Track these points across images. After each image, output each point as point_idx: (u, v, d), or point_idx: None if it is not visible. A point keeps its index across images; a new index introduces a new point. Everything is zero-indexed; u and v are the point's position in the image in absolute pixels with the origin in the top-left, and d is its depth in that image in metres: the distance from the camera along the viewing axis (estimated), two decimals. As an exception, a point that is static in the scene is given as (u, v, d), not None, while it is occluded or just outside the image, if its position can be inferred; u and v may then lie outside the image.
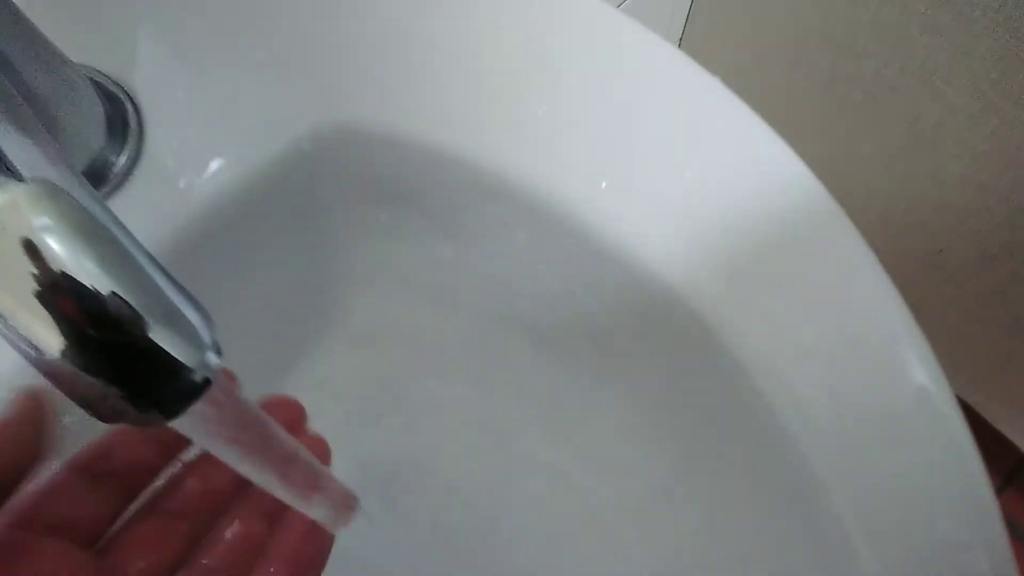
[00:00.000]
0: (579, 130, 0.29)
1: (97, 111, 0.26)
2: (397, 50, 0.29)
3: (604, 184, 0.28)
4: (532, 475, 0.37)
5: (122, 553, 0.21)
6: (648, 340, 0.32)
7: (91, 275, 0.16)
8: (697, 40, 0.82)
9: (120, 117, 0.27)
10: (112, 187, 0.27)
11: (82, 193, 0.18)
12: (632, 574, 0.34)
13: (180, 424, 0.18)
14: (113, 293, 0.16)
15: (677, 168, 0.28)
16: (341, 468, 0.25)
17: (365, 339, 0.36)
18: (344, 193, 0.31)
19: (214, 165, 0.28)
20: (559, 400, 0.36)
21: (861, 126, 0.73)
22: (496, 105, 0.29)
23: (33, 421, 0.21)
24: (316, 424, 0.30)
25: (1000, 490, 0.99)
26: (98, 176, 0.26)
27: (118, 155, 0.27)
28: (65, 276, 0.16)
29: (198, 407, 0.18)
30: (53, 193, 0.17)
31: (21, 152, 0.17)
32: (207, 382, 0.18)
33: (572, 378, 0.35)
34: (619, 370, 0.34)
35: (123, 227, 0.18)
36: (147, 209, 0.27)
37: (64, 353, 0.16)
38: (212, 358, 0.18)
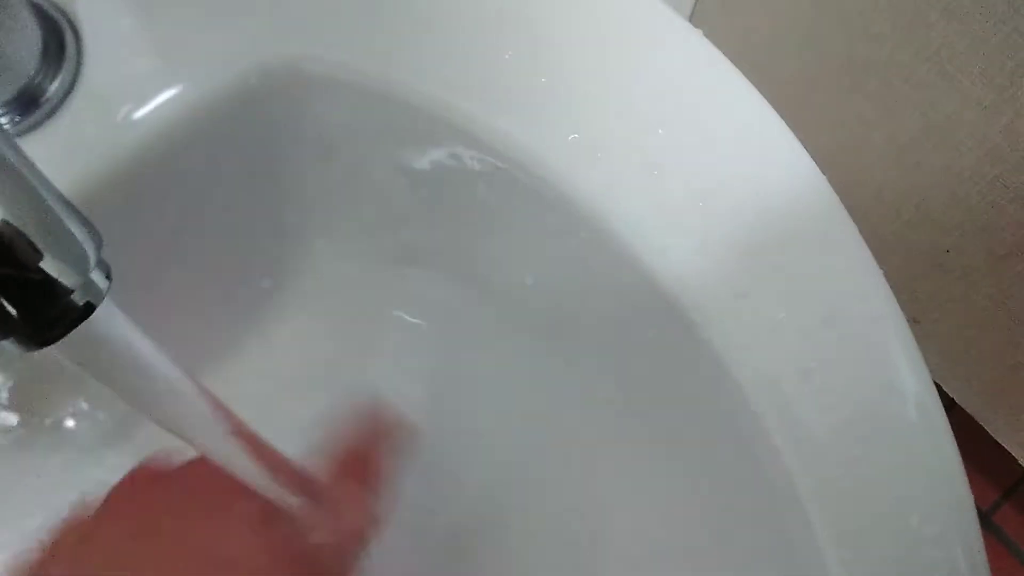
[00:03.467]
0: (558, 84, 0.27)
1: (32, 34, 0.25)
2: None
3: (576, 137, 0.27)
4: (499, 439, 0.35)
5: None
6: (629, 328, 0.30)
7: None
8: (708, 13, 0.80)
9: (57, 42, 0.26)
10: (44, 114, 0.25)
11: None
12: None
13: (67, 350, 0.17)
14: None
15: (665, 140, 0.27)
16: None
17: (320, 300, 0.35)
18: (295, 136, 0.29)
19: (155, 98, 0.26)
20: (515, 360, 0.34)
21: (873, 114, 0.71)
22: (465, 51, 0.27)
23: None
24: (266, 395, 0.28)
25: (997, 505, 0.97)
26: (29, 102, 0.25)
27: (52, 81, 0.25)
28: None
29: (84, 333, 0.16)
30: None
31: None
32: (89, 307, 0.16)
33: (531, 339, 0.34)
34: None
35: (12, 144, 0.17)
36: (80, 140, 0.26)
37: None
38: (98, 279, 0.17)
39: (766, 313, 0.26)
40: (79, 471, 0.32)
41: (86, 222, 0.17)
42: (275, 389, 0.33)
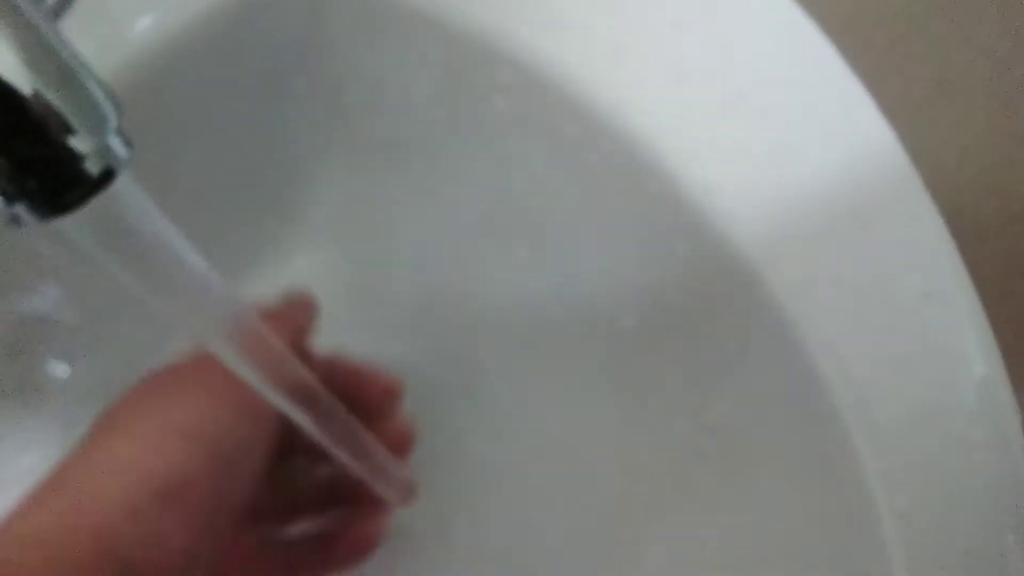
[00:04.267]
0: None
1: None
2: None
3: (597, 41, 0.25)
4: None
5: None
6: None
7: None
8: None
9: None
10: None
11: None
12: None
13: (82, 226, 0.16)
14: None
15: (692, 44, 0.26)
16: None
17: (330, 236, 0.34)
18: (290, 60, 0.28)
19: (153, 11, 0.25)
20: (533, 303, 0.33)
21: (885, 69, 0.69)
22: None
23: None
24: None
25: None
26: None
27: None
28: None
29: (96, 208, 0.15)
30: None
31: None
32: (109, 172, 0.15)
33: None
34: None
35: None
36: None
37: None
38: (116, 146, 0.15)
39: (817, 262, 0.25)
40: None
41: (106, 87, 0.16)
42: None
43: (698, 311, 0.28)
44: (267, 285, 0.34)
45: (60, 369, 0.32)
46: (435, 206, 0.33)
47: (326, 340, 0.29)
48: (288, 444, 0.25)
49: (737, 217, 0.25)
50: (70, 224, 0.15)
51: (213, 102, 0.29)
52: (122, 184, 0.15)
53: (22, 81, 0.13)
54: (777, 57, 0.26)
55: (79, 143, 0.15)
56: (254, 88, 0.29)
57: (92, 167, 0.15)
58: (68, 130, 0.14)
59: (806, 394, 0.24)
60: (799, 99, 0.26)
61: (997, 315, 0.29)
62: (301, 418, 0.22)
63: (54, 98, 0.14)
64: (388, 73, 0.29)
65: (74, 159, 0.15)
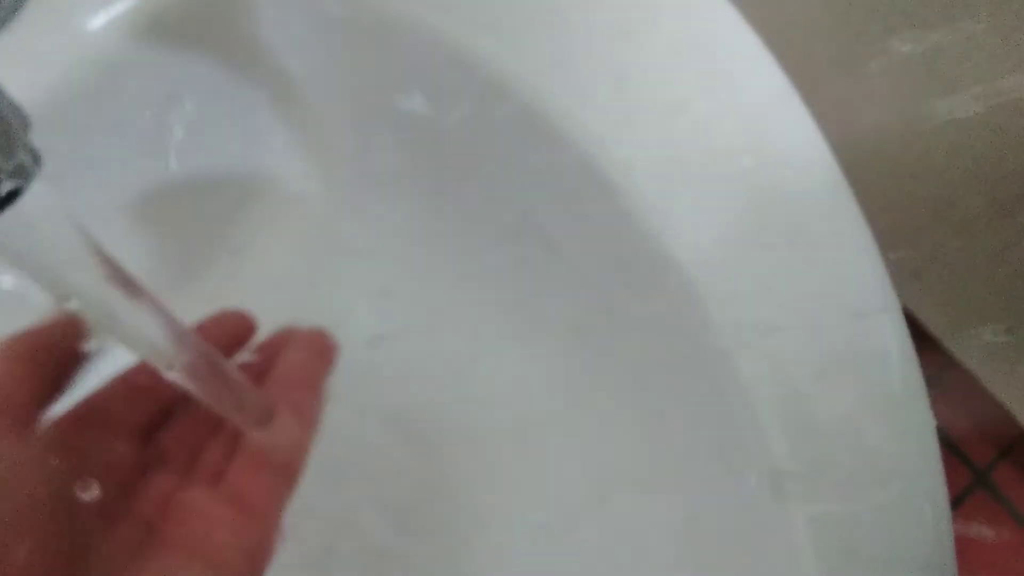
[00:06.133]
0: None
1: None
2: None
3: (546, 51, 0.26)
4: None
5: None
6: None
7: None
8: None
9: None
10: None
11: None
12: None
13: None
14: None
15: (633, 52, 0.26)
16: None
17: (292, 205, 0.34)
18: (249, 47, 0.29)
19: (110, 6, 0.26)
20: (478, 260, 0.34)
21: (873, 61, 0.69)
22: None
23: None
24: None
25: (993, 464, 0.96)
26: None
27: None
28: None
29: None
30: None
31: None
32: (13, 193, 0.16)
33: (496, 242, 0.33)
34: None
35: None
36: (37, 49, 0.25)
37: None
38: (28, 162, 0.16)
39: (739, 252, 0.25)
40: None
41: (13, 105, 0.16)
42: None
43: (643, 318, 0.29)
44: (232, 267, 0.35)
45: None
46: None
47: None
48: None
49: (676, 228, 0.26)
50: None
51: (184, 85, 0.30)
52: (31, 197, 0.16)
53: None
54: (719, 69, 0.26)
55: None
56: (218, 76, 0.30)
57: (3, 186, 0.16)
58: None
59: (720, 376, 0.25)
60: (737, 109, 0.26)
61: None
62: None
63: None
64: (344, 81, 0.30)
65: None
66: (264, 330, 0.27)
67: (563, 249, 0.31)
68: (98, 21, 0.27)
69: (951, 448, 0.97)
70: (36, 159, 0.17)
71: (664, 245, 0.26)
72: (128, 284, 0.20)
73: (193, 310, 0.23)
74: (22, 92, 0.20)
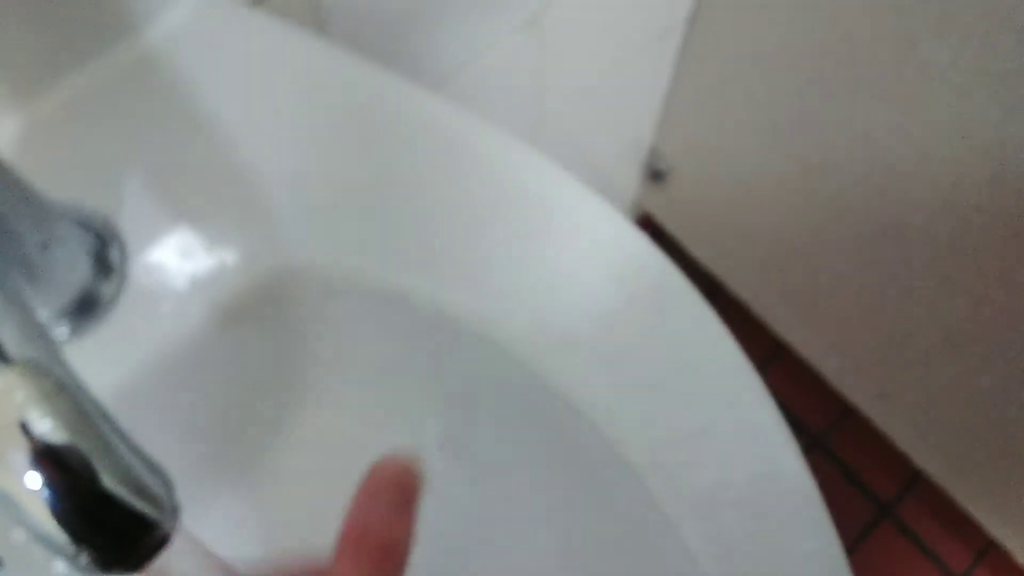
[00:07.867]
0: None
1: (82, 256, 0.30)
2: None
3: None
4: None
5: None
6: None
7: (75, 455, 0.19)
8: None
9: (104, 251, 0.31)
10: (98, 317, 0.30)
11: (63, 369, 0.21)
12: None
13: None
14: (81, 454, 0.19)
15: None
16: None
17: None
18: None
19: (193, 292, 0.31)
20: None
21: (849, 104, 0.73)
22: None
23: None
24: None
25: (897, 499, 1.01)
26: (86, 307, 0.30)
27: (102, 286, 0.30)
28: (50, 449, 0.19)
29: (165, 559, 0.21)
30: (38, 374, 0.20)
31: (9, 331, 0.21)
32: (165, 538, 0.21)
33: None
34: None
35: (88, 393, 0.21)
36: (132, 335, 0.31)
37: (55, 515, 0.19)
38: (170, 513, 0.22)
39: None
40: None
41: (159, 467, 0.22)
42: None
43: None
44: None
45: None
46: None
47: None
48: None
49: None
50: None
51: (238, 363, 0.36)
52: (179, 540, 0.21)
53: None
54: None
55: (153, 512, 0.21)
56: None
57: (155, 533, 0.21)
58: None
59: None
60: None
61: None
62: None
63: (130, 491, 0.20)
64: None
65: (140, 532, 0.21)
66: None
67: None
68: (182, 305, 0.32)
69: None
70: (176, 510, 0.22)
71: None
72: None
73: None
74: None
